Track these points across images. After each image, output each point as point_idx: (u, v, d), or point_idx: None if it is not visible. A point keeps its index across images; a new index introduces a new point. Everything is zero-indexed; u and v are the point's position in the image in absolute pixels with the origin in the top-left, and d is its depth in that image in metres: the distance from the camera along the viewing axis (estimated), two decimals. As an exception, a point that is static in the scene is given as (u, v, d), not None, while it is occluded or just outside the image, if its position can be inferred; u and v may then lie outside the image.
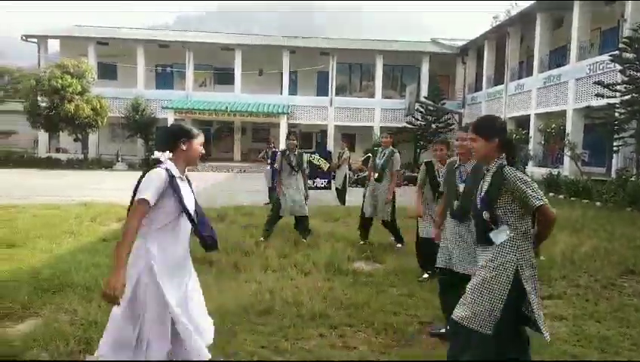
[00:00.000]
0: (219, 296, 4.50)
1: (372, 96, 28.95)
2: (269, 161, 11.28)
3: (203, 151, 2.78)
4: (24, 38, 27.41)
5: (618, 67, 14.04)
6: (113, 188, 15.02)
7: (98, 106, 24.08)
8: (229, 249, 6.22)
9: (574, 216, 9.71)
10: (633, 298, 5.01)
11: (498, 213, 2.54)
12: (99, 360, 2.50)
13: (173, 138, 2.67)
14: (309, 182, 10.55)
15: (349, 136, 26.98)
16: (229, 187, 15.72)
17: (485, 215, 2.57)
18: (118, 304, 2.39)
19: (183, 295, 2.62)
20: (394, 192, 6.97)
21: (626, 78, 13.54)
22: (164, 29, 41.21)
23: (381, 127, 27.91)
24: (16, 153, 26.05)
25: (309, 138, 30.75)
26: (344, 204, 11.14)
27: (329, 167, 11.06)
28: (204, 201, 11.73)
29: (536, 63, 20.94)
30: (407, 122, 26.02)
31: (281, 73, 28.13)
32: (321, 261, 5.76)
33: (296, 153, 7.41)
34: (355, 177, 16.27)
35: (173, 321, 2.51)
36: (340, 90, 29.86)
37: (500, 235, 2.54)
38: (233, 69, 27.87)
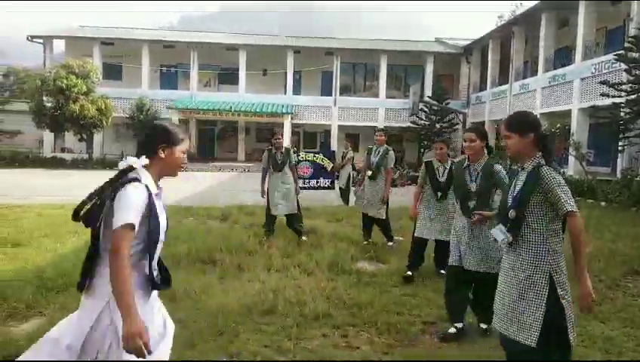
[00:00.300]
0: (222, 295, 4.51)
1: (376, 96, 28.91)
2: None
3: (185, 162, 2.25)
4: (29, 38, 27.53)
5: (623, 66, 13.96)
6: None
7: (103, 106, 24.17)
8: (232, 249, 6.23)
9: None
10: (638, 298, 4.98)
11: (526, 214, 2.45)
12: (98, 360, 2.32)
13: (152, 141, 2.16)
14: (313, 182, 10.56)
15: (352, 136, 26.96)
16: (232, 186, 15.74)
17: (511, 213, 2.49)
18: (150, 352, 1.89)
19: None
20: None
21: (631, 78, 13.46)
22: (168, 30, 41.33)
23: (385, 126, 27.86)
24: (21, 153, 26.16)
25: (312, 138, 30.77)
26: (348, 203, 11.14)
27: (333, 167, 11.03)
28: (208, 201, 11.77)
29: (541, 63, 20.85)
30: (411, 122, 25.98)
31: (285, 73, 28.14)
32: (325, 261, 5.76)
33: (282, 151, 7.42)
34: (359, 177, 16.25)
35: None
36: (344, 90, 29.83)
37: (500, 234, 2.52)
38: (237, 69, 27.90)
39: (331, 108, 28.51)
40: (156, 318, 2.15)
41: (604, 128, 15.92)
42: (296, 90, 28.93)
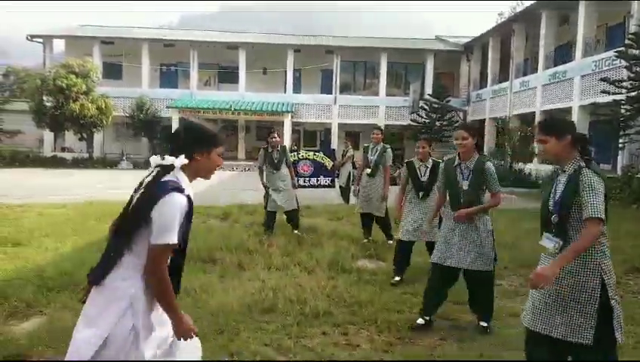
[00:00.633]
0: (222, 294, 4.51)
1: (376, 94, 28.88)
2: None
3: (221, 163, 2.15)
4: (29, 37, 27.51)
5: (624, 63, 13.93)
6: (118, 186, 15.08)
7: (103, 105, 24.18)
8: (232, 247, 6.24)
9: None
10: (638, 295, 4.99)
11: (571, 218, 2.43)
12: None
13: (188, 144, 2.02)
14: (313, 180, 10.56)
15: (352, 135, 26.95)
16: (233, 185, 15.74)
17: (554, 219, 2.49)
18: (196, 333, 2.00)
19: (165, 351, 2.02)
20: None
21: (631, 75, 13.44)
22: (168, 28, 41.30)
23: (385, 125, 27.84)
24: (21, 152, 26.17)
25: (313, 136, 30.75)
26: (348, 202, 11.13)
27: (333, 165, 11.03)
28: (209, 200, 11.77)
29: (541, 60, 20.81)
30: (411, 120, 25.96)
31: (286, 71, 28.11)
32: (325, 259, 5.76)
33: (279, 149, 7.48)
34: (356, 175, 16.24)
35: None
36: (344, 89, 29.80)
37: (551, 242, 2.51)
38: (237, 68, 27.87)
39: (331, 106, 28.49)
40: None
41: (604, 125, 15.89)
42: (297, 89, 28.91)
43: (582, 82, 17.84)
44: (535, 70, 21.80)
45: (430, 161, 5.34)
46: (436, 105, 25.33)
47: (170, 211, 1.86)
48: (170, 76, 29.91)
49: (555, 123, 2.60)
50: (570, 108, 18.29)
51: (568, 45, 20.56)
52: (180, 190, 1.90)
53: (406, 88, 28.33)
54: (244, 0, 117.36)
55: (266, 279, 5.07)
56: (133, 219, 1.91)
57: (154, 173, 1.95)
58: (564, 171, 2.53)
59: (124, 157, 25.95)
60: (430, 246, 5.30)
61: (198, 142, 2.03)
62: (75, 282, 4.65)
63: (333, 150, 12.73)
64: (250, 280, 5.08)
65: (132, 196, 2.02)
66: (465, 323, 4.05)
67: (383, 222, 7.05)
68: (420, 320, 3.90)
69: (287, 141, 24.70)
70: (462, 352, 3.54)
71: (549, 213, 2.54)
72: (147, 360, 1.88)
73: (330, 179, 10.89)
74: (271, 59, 28.29)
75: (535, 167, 19.54)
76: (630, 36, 13.66)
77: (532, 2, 21.66)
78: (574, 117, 17.94)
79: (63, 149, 27.96)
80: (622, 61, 14.13)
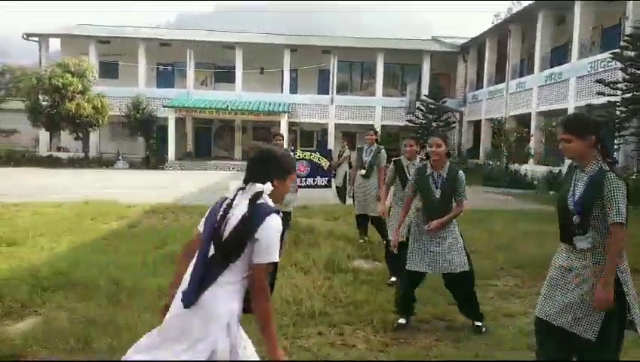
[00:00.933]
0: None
1: (373, 94, 28.92)
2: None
3: (289, 188, 2.28)
4: (25, 36, 27.39)
5: (619, 65, 14.00)
6: (114, 186, 15.05)
7: (99, 105, 24.11)
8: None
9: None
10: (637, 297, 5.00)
11: (591, 218, 2.46)
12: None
13: (266, 172, 2.13)
14: (310, 180, 10.54)
15: (349, 135, 26.96)
16: (229, 185, 15.72)
17: (576, 219, 2.49)
18: None
19: None
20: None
21: (627, 76, 13.51)
22: (165, 28, 41.22)
23: (382, 125, 27.89)
24: (17, 152, 26.07)
25: (309, 136, 30.75)
26: (344, 202, 11.12)
27: (329, 166, 11.03)
28: (206, 200, 11.70)
29: (537, 61, 20.88)
30: (407, 120, 25.98)
31: (282, 71, 28.10)
32: (321, 259, 5.76)
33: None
34: (350, 176, 16.26)
35: None
36: (341, 89, 29.83)
37: (583, 242, 2.50)
38: (234, 68, 27.84)
39: (328, 106, 28.50)
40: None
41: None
42: (293, 89, 28.90)
43: (577, 83, 17.92)
44: (531, 71, 21.87)
45: (418, 159, 5.32)
46: (432, 106, 25.38)
47: (273, 232, 1.99)
48: (166, 76, 29.85)
49: (580, 122, 2.56)
50: (566, 109, 18.36)
51: (564, 47, 20.66)
52: (277, 212, 2.04)
53: (402, 89, 28.35)
54: (241, 0, 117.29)
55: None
56: (237, 241, 1.99)
57: (249, 198, 2.04)
58: (584, 171, 2.52)
59: (120, 157, 25.88)
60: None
61: (278, 170, 2.16)
62: (70, 282, 4.64)
63: (330, 150, 12.72)
64: (246, 280, 5.07)
65: (210, 221, 2.12)
66: (460, 323, 4.06)
67: (378, 223, 7.06)
68: (402, 320, 3.98)
69: (284, 142, 24.67)
70: (458, 352, 3.54)
71: (569, 213, 2.53)
72: None
73: (326, 179, 10.89)
74: (268, 59, 28.27)
75: (531, 168, 19.61)
76: (625, 38, 13.74)
77: (528, 3, 21.74)
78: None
79: (59, 149, 27.86)
80: (617, 63, 14.20)
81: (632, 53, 13.34)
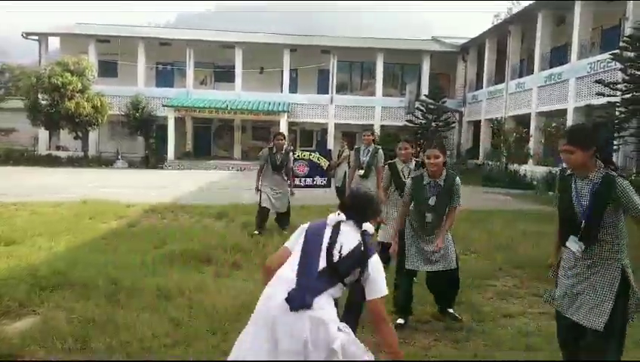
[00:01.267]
0: (217, 294, 4.50)
1: (372, 94, 28.91)
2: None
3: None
4: (25, 35, 27.37)
5: (619, 66, 14.01)
6: (113, 185, 15.03)
7: (98, 104, 24.08)
8: (227, 247, 6.23)
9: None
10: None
11: (600, 224, 2.62)
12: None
13: (368, 213, 2.52)
14: (308, 180, 10.56)
15: (349, 135, 26.95)
16: (228, 185, 15.72)
17: (583, 226, 2.65)
18: None
19: None
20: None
21: (626, 77, 13.51)
22: (165, 27, 41.17)
23: (382, 125, 27.91)
24: (16, 151, 26.04)
25: (309, 136, 30.74)
26: (344, 202, 11.14)
27: (329, 166, 11.03)
28: (204, 199, 11.70)
29: (537, 62, 20.88)
30: (407, 120, 25.98)
31: (282, 71, 28.09)
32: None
33: (283, 152, 7.54)
34: (348, 177, 16.25)
35: None
36: (341, 89, 29.82)
37: (574, 245, 2.70)
38: (234, 67, 27.83)
39: (328, 106, 28.49)
40: None
41: (599, 127, 15.94)
42: (293, 89, 28.89)
43: (577, 84, 17.92)
44: (531, 71, 21.87)
45: (413, 162, 5.30)
46: (432, 106, 25.38)
47: (380, 268, 2.36)
48: (166, 75, 29.83)
49: (583, 135, 2.67)
50: (566, 109, 18.37)
51: (564, 47, 20.66)
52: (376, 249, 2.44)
53: (402, 89, 28.36)
54: (242, 0, 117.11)
55: (261, 279, 5.05)
56: (350, 265, 2.30)
57: (361, 233, 2.41)
58: (587, 178, 2.67)
59: (119, 156, 25.86)
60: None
61: (372, 211, 2.56)
62: (68, 281, 4.63)
63: (330, 150, 12.71)
64: (245, 279, 5.08)
65: (313, 240, 2.41)
66: (459, 324, 4.06)
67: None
68: (401, 320, 4.02)
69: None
70: (456, 352, 3.54)
71: (576, 220, 2.69)
72: None
73: (325, 179, 10.89)
74: (267, 59, 28.26)
75: (530, 169, 19.62)
76: (625, 39, 13.74)
77: (528, 3, 21.74)
78: (569, 118, 18.04)
79: (58, 148, 27.83)
80: (617, 63, 14.20)
81: (631, 54, 13.34)
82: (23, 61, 37.03)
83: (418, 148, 5.64)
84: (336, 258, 2.28)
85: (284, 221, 7.77)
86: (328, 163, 11.14)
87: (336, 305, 2.29)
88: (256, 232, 7.28)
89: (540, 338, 3.79)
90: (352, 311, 2.41)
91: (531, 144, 20.42)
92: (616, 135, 13.93)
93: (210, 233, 7.25)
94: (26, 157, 25.13)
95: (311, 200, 10.86)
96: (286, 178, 7.78)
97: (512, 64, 23.30)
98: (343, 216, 2.44)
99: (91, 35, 27.81)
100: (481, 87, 26.36)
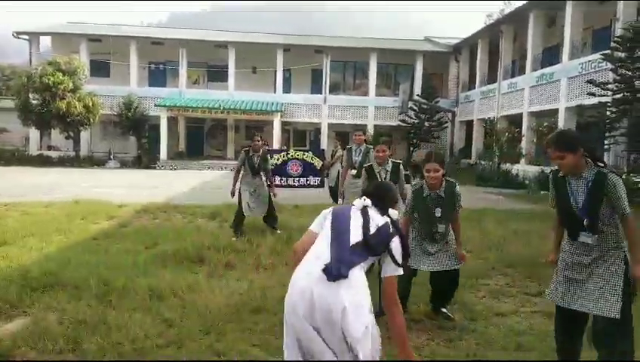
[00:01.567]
0: (210, 294, 4.49)
1: (366, 94, 28.94)
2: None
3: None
4: (15, 35, 27.14)
5: (610, 66, 14.12)
6: (105, 185, 14.94)
7: (90, 104, 23.91)
8: (220, 247, 6.21)
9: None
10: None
11: (600, 217, 2.78)
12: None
13: (391, 201, 2.76)
14: (302, 180, 10.55)
15: (342, 135, 26.98)
16: (221, 185, 15.66)
17: (586, 222, 2.82)
18: None
19: None
20: None
21: (617, 77, 13.61)
22: (157, 27, 40.98)
23: (375, 125, 27.95)
24: (7, 151, 25.82)
25: (302, 136, 30.72)
26: (337, 202, 11.13)
27: (322, 166, 11.03)
28: (197, 199, 11.67)
29: (529, 62, 21.00)
30: (400, 120, 26.06)
31: (275, 71, 28.05)
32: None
33: (260, 154, 7.45)
34: (340, 177, 16.27)
35: None
36: (334, 89, 29.82)
37: (589, 239, 2.84)
38: (227, 67, 27.75)
39: (321, 106, 28.49)
40: None
41: (590, 127, 16.09)
42: (286, 88, 28.86)
43: (568, 84, 18.05)
44: (523, 72, 22.00)
45: (389, 163, 5.28)
46: (425, 106, 25.46)
47: (399, 249, 2.52)
48: (158, 75, 29.70)
49: (568, 140, 2.84)
50: (557, 109, 18.49)
51: (555, 47, 20.79)
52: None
53: (395, 89, 28.42)
54: (234, 0, 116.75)
55: (254, 279, 5.05)
56: (377, 243, 2.46)
57: (389, 217, 2.59)
58: (580, 177, 2.83)
59: (111, 156, 25.71)
60: None
61: (390, 199, 2.76)
62: (60, 282, 4.60)
63: (323, 150, 12.70)
64: (239, 280, 5.07)
65: (341, 219, 2.57)
66: (452, 323, 4.07)
67: None
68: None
69: (276, 140, 24.66)
70: (449, 352, 3.55)
71: (576, 218, 2.85)
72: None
73: (319, 179, 10.89)
74: (260, 59, 28.21)
75: (522, 168, 19.73)
76: (616, 39, 13.84)
77: (520, 4, 21.86)
78: (561, 118, 18.16)
79: (50, 148, 27.62)
80: (608, 64, 14.31)
81: (622, 54, 13.44)
82: (13, 60, 36.73)
83: (394, 149, 5.64)
84: (371, 231, 2.46)
85: (272, 220, 7.66)
86: (322, 163, 11.14)
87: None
88: (234, 238, 6.98)
89: (532, 336, 3.81)
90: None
91: (523, 144, 20.54)
92: (607, 135, 14.03)
93: (203, 233, 7.23)
94: (17, 157, 24.92)
95: (304, 200, 10.86)
96: (265, 179, 7.61)
97: (504, 64, 23.42)
98: (368, 201, 2.62)
99: (83, 35, 27.61)
100: (474, 87, 26.48)
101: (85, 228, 7.69)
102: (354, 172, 7.02)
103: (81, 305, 4.08)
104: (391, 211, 2.65)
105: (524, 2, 21.09)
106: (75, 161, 24.90)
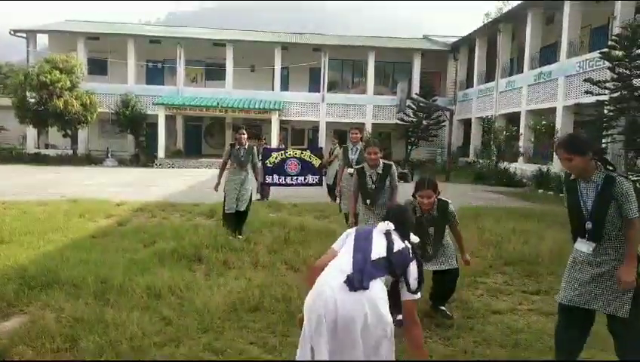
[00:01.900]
0: (208, 292, 4.49)
1: (364, 92, 28.91)
2: (259, 157, 11.25)
3: None
4: (12, 32, 27.04)
5: (607, 64, 14.13)
6: (102, 184, 14.92)
7: (88, 102, 23.85)
8: (218, 245, 6.21)
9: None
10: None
11: (606, 222, 2.82)
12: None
13: (409, 227, 2.90)
14: (300, 178, 10.54)
15: (340, 133, 26.97)
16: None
17: (588, 225, 2.87)
18: None
19: None
20: None
21: (615, 76, 13.63)
22: (155, 25, 40.87)
23: (373, 123, 27.95)
24: (4, 149, 25.74)
25: (300, 134, 30.70)
26: (335, 200, 11.13)
27: (320, 164, 11.04)
28: (196, 198, 11.66)
29: (526, 60, 21.02)
30: (398, 119, 26.07)
31: (273, 69, 28.03)
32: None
33: (246, 147, 7.35)
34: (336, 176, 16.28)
35: None
36: (332, 87, 29.81)
37: (584, 245, 2.91)
38: (225, 65, 27.71)
39: (319, 104, 28.47)
40: None
41: (588, 125, 16.11)
42: (284, 87, 28.84)
43: (566, 83, 18.07)
44: (521, 70, 22.01)
45: (381, 165, 5.19)
46: (423, 105, 25.47)
47: (417, 274, 2.65)
48: (156, 73, 29.63)
49: (578, 143, 2.89)
50: (555, 108, 18.51)
51: (553, 46, 20.81)
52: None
53: (393, 87, 28.40)
54: (231, 0, 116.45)
55: (252, 277, 5.05)
56: (398, 262, 2.60)
57: (411, 243, 2.76)
58: (590, 181, 2.88)
59: (109, 155, 25.65)
60: None
61: (410, 224, 2.92)
62: (57, 280, 4.59)
63: (321, 148, 12.69)
64: (236, 278, 5.06)
65: (362, 241, 2.70)
66: (450, 321, 4.08)
67: None
68: (400, 317, 4.02)
69: (274, 138, 24.63)
70: (447, 350, 3.56)
71: (583, 220, 2.90)
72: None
73: (317, 177, 10.90)
74: (258, 57, 28.17)
75: (520, 167, 19.76)
76: (613, 38, 13.85)
77: (518, 3, 21.86)
78: (558, 117, 18.18)
79: (47, 146, 27.56)
80: (605, 62, 14.32)
81: (619, 53, 13.46)
82: (10, 58, 36.59)
83: (385, 153, 5.56)
84: (394, 250, 2.62)
85: (241, 221, 7.26)
86: (320, 161, 11.15)
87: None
88: (240, 236, 6.93)
89: (529, 334, 3.82)
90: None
91: (521, 142, 20.56)
92: (604, 133, 14.06)
93: (200, 232, 7.21)
94: (15, 156, 24.85)
95: (303, 199, 10.86)
96: (251, 175, 7.39)
97: (502, 63, 23.44)
98: (391, 226, 2.77)
99: (80, 33, 27.51)
100: (472, 86, 26.49)
101: (83, 226, 7.68)
102: (350, 170, 7.01)
103: (78, 303, 4.07)
104: (412, 236, 2.81)
105: (522, 1, 21.12)
106: (72, 160, 24.84)
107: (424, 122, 25.97)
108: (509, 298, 4.84)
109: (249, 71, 28.75)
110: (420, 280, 2.64)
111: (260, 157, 11.23)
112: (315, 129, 29.30)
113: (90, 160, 25.33)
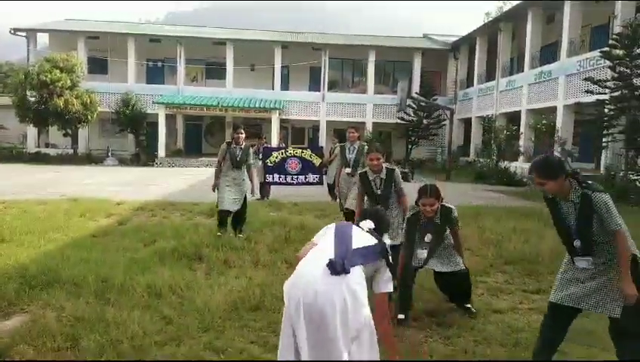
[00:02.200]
0: (208, 291, 4.49)
1: (364, 92, 28.92)
2: (260, 156, 11.26)
3: None
4: (12, 31, 27.05)
5: (608, 64, 14.13)
6: (103, 183, 14.92)
7: (88, 101, 23.85)
8: (218, 244, 6.21)
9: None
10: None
11: (592, 237, 2.86)
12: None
13: (385, 228, 3.06)
14: (301, 177, 10.54)
15: (340, 132, 26.92)
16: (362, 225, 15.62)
17: (577, 243, 2.92)
18: None
19: None
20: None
21: (615, 75, 13.63)
22: (155, 24, 40.85)
23: (373, 122, 27.95)
24: (4, 148, 25.75)
25: (301, 133, 30.70)
26: (336, 199, 11.13)
27: (321, 163, 11.05)
28: (196, 197, 11.65)
29: (527, 59, 21.02)
30: (398, 118, 26.06)
31: (274, 68, 28.02)
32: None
33: (242, 147, 7.28)
34: (335, 175, 16.28)
35: None
36: (332, 86, 29.80)
37: (583, 262, 2.94)
38: (225, 64, 27.70)
39: (319, 103, 28.47)
40: None
41: (588, 125, 16.10)
42: (285, 86, 28.84)
43: (566, 82, 18.06)
44: (521, 69, 22.01)
45: (384, 170, 5.08)
46: (423, 104, 25.46)
47: (388, 270, 2.75)
48: (156, 72, 29.63)
49: (549, 168, 2.91)
50: (555, 107, 18.50)
51: (554, 45, 20.80)
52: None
53: (394, 86, 28.38)
54: (232, 0, 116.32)
55: (253, 276, 5.05)
56: (374, 253, 2.68)
57: (384, 243, 2.80)
58: (568, 200, 2.91)
59: (109, 154, 25.66)
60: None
61: (385, 226, 3.05)
62: (58, 279, 4.59)
63: (321, 147, 12.70)
64: (237, 277, 5.06)
65: (342, 234, 2.75)
66: (450, 320, 4.08)
67: None
68: (402, 316, 4.09)
69: (274, 138, 24.62)
70: (447, 349, 3.56)
71: (569, 238, 2.95)
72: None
73: (317, 176, 10.91)
74: (259, 56, 28.17)
75: (521, 166, 19.75)
76: (614, 37, 13.85)
77: (518, 2, 21.84)
78: (559, 116, 18.17)
79: (47, 145, 27.57)
80: (606, 61, 14.32)
81: (620, 52, 13.46)
82: (10, 57, 36.58)
83: (387, 156, 5.47)
84: (372, 244, 2.70)
85: (240, 222, 7.24)
86: (320, 160, 11.15)
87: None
88: (240, 235, 6.95)
89: (529, 333, 3.81)
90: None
91: (522, 141, 20.55)
92: (605, 132, 14.05)
93: (201, 231, 7.21)
94: (15, 155, 24.86)
95: (303, 198, 10.86)
96: (245, 175, 7.33)
97: (502, 62, 23.42)
98: (372, 224, 2.87)
99: (80, 32, 27.52)
100: (472, 85, 26.48)
101: (83, 225, 7.68)
102: (348, 170, 6.99)
103: (79, 302, 4.07)
104: (385, 237, 2.92)
105: (522, 1, 21.09)
106: (73, 159, 24.85)
107: (424, 121, 25.96)
108: (510, 297, 4.84)
109: (249, 70, 28.75)
110: (392, 276, 2.73)
111: (261, 157, 11.25)
112: (316, 128, 29.30)
113: (91, 159, 25.34)
